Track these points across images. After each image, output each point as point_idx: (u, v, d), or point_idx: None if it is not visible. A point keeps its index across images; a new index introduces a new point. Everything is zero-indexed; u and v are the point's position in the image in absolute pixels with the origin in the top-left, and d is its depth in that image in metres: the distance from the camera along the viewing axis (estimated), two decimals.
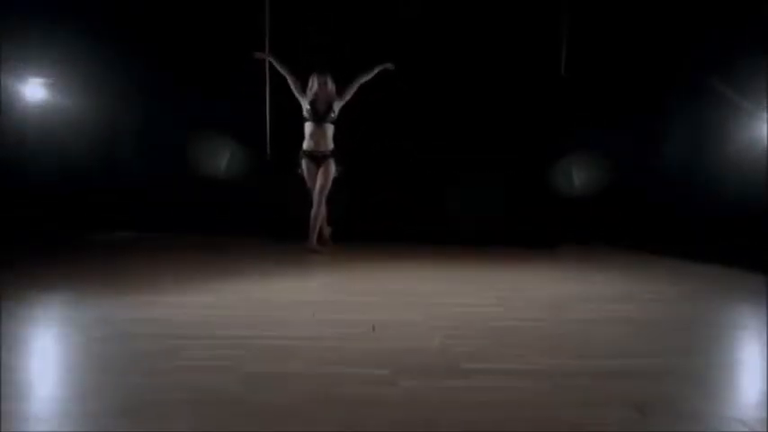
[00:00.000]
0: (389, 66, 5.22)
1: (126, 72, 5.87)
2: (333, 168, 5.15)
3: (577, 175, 6.19)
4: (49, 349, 2.61)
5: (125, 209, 5.91)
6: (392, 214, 5.61)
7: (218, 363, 2.34)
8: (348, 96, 5.18)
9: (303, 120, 5.16)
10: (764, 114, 5.45)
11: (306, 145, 5.16)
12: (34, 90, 5.63)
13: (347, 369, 2.32)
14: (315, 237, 5.21)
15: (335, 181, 5.21)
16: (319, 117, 5.11)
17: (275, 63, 5.22)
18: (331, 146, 5.17)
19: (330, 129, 5.14)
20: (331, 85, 5.15)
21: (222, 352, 2.47)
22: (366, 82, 5.20)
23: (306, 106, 5.14)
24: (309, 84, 5.15)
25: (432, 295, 3.68)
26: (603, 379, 2.27)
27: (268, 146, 5.93)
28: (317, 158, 5.14)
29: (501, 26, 5.98)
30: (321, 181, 5.12)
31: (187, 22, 5.88)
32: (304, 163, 5.17)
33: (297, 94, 5.17)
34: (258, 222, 5.92)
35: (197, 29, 5.89)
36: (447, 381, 2.23)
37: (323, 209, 5.19)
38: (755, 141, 5.49)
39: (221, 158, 6.15)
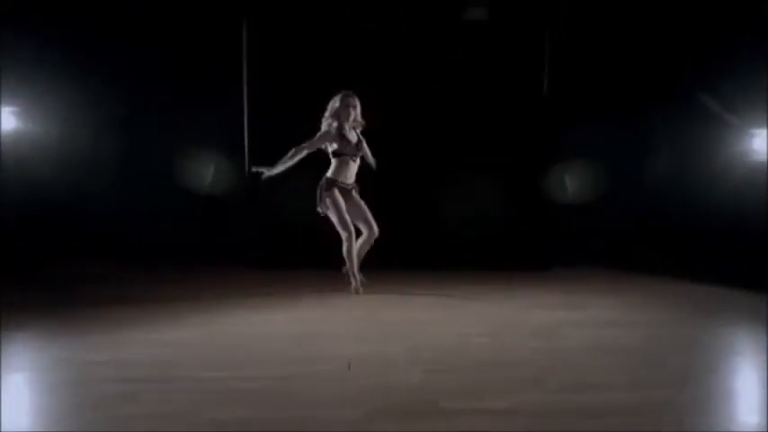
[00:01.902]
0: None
1: (100, 98, 5.76)
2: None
3: (570, 183, 6.09)
4: (7, 395, 2.44)
5: (101, 238, 5.75)
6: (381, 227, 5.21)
7: (179, 407, 2.19)
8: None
9: (338, 156, 4.44)
10: (751, 130, 5.38)
11: (343, 178, 4.47)
12: (5, 119, 5.49)
13: (318, 412, 2.17)
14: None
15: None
16: (355, 151, 4.50)
17: (283, 166, 4.42)
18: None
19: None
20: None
21: (185, 396, 2.32)
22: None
23: (342, 146, 4.43)
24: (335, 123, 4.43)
25: (415, 324, 3.54)
26: (592, 417, 2.13)
27: (246, 162, 5.74)
28: (349, 190, 4.52)
29: (486, 43, 5.90)
30: (365, 210, 4.49)
31: (163, 45, 5.78)
32: (336, 192, 4.42)
33: (323, 146, 4.47)
34: (243, 248, 5.77)
35: (173, 50, 5.79)
36: (424, 423, 2.08)
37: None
38: (743, 156, 5.42)
39: (204, 178, 6.00)
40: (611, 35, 5.89)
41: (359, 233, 4.52)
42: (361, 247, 4.51)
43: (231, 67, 5.75)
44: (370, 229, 4.48)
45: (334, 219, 4.41)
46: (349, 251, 4.40)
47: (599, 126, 5.89)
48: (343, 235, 4.41)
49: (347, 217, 4.40)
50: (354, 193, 4.51)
